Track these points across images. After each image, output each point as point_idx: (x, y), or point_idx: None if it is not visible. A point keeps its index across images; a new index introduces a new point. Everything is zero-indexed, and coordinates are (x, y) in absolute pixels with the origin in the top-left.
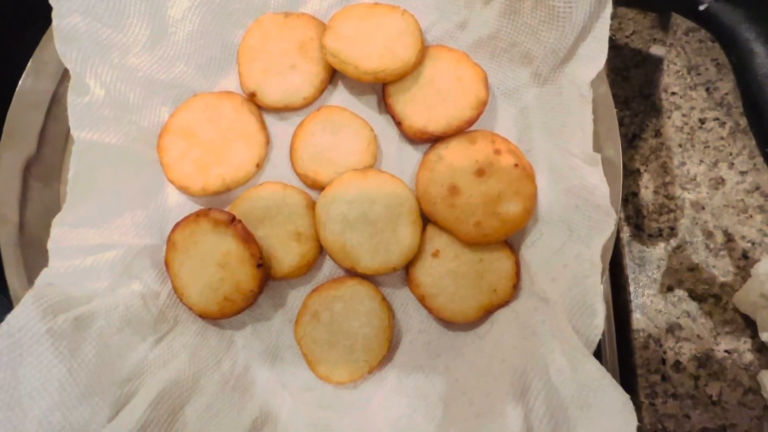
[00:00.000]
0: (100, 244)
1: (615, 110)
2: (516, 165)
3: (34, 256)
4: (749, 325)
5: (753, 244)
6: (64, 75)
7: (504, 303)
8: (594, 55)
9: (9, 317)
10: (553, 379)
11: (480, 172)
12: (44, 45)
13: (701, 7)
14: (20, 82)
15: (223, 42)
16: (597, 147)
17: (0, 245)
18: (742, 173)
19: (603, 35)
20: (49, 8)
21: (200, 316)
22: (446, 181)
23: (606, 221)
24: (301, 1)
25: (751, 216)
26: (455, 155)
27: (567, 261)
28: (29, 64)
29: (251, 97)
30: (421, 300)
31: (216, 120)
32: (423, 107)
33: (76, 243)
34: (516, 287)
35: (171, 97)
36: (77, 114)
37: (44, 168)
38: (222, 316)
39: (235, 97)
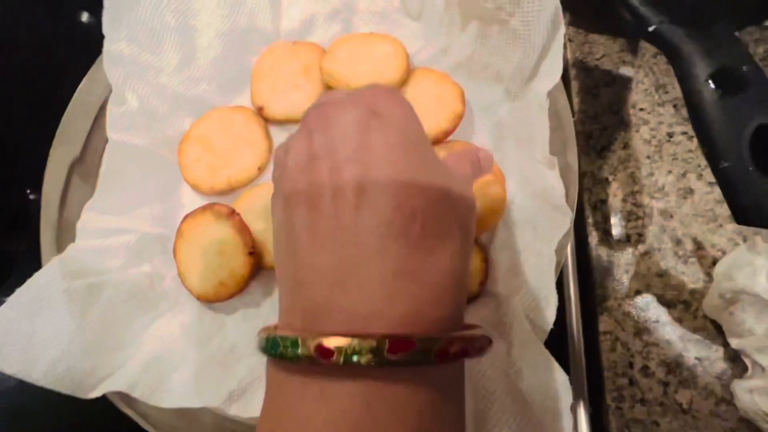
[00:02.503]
0: (120, 228)
1: (573, 119)
2: None
3: (67, 239)
4: (721, 333)
5: (723, 252)
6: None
7: (469, 301)
8: (551, 71)
9: (36, 274)
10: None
11: None
12: (98, 65)
13: (650, 29)
14: (75, 94)
15: (240, 65)
16: (557, 153)
17: (40, 227)
18: (711, 184)
19: (558, 52)
20: (103, 37)
21: (198, 298)
22: None
23: (563, 220)
24: (309, 32)
25: (721, 225)
26: None
27: (528, 258)
28: (84, 80)
29: (259, 111)
30: None
31: (228, 130)
32: None
33: (100, 226)
34: (483, 284)
35: (193, 110)
36: (114, 120)
37: (86, 167)
38: (217, 299)
39: (246, 110)
